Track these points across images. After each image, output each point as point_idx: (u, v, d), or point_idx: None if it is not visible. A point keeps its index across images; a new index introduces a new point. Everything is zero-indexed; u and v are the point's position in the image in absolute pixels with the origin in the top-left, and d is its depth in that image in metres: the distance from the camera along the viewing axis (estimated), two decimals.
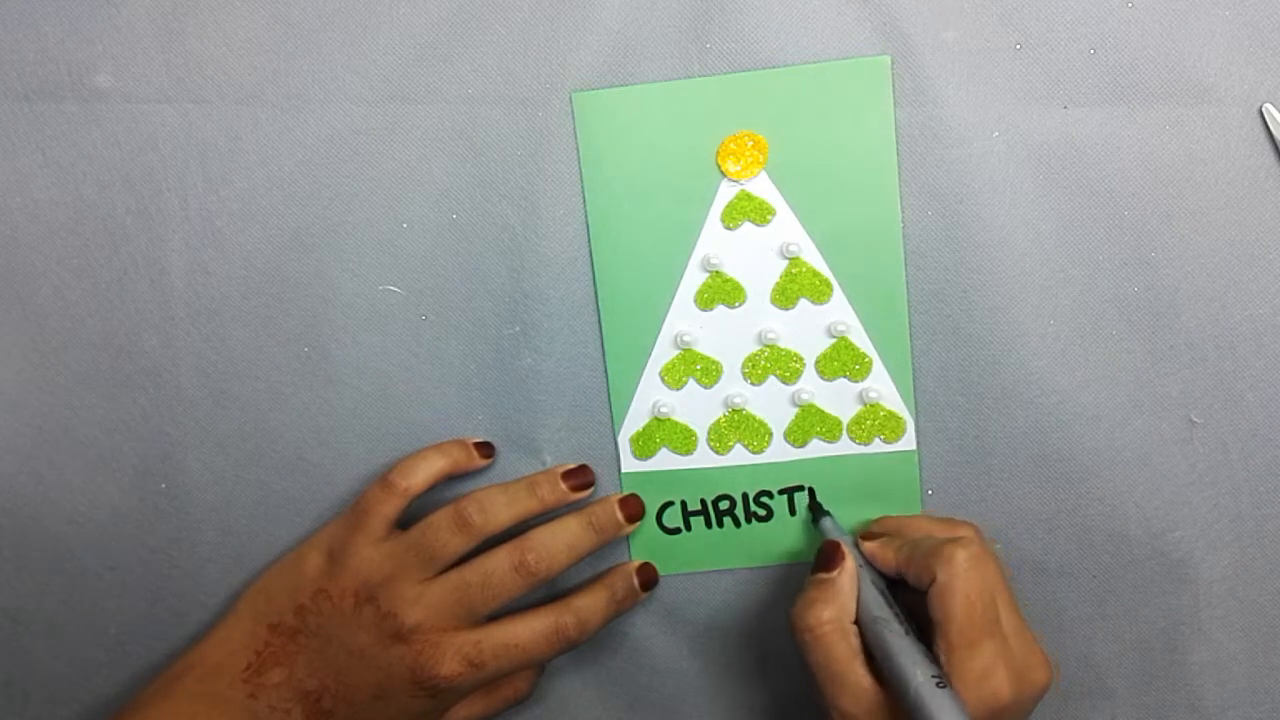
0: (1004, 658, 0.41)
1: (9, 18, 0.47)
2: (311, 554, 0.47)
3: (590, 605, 0.47)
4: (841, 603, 0.43)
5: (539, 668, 0.49)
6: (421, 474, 0.47)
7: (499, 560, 0.46)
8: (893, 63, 0.46)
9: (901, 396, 0.48)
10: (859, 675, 0.42)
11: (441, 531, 0.46)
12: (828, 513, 0.48)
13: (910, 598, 0.43)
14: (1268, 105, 0.46)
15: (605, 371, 0.49)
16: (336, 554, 0.46)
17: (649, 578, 0.49)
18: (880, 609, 0.43)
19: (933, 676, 0.40)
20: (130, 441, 0.49)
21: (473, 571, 0.46)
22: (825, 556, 0.44)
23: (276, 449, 0.49)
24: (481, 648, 0.45)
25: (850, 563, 0.44)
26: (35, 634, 0.50)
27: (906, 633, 0.42)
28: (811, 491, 0.49)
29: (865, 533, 0.46)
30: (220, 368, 0.49)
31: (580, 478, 0.49)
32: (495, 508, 0.47)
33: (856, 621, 0.43)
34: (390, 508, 0.47)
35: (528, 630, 0.46)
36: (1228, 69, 0.46)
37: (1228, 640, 0.48)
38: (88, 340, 0.49)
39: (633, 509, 0.49)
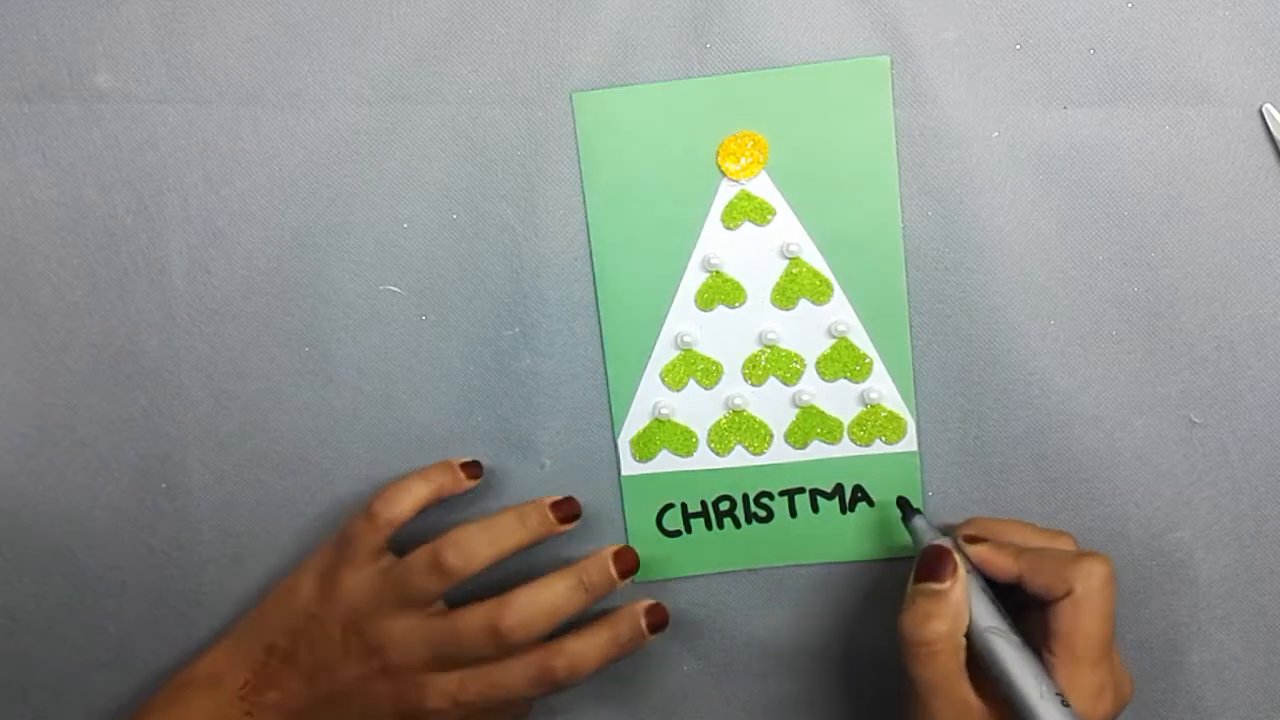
0: (1113, 677, 0.41)
1: (9, 18, 0.47)
2: (304, 579, 0.47)
3: (586, 649, 0.45)
4: (955, 615, 0.41)
5: (527, 707, 0.49)
6: (405, 503, 0.46)
7: (475, 621, 0.44)
8: (893, 63, 0.46)
9: (902, 397, 0.48)
10: (965, 690, 0.41)
11: (417, 574, 0.45)
12: (919, 511, 0.46)
13: (1011, 605, 0.42)
14: (1268, 105, 0.46)
15: (605, 373, 0.49)
16: (325, 581, 0.46)
17: (659, 620, 0.46)
18: (993, 618, 0.41)
19: (1056, 694, 0.39)
20: (130, 441, 0.49)
21: (448, 628, 0.45)
22: (934, 564, 0.42)
23: (277, 449, 0.49)
24: (466, 687, 0.44)
25: (962, 572, 0.42)
26: (35, 634, 0.50)
27: (1022, 646, 0.41)
28: (904, 500, 0.47)
29: (966, 534, 0.45)
30: (221, 368, 0.49)
31: (568, 509, 0.47)
32: (475, 547, 0.45)
33: (966, 632, 0.42)
34: (373, 539, 0.46)
35: (512, 674, 0.44)
36: (1228, 69, 0.46)
37: (1228, 640, 0.48)
38: (88, 340, 0.49)
39: (627, 564, 0.47)
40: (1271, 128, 0.46)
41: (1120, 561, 0.48)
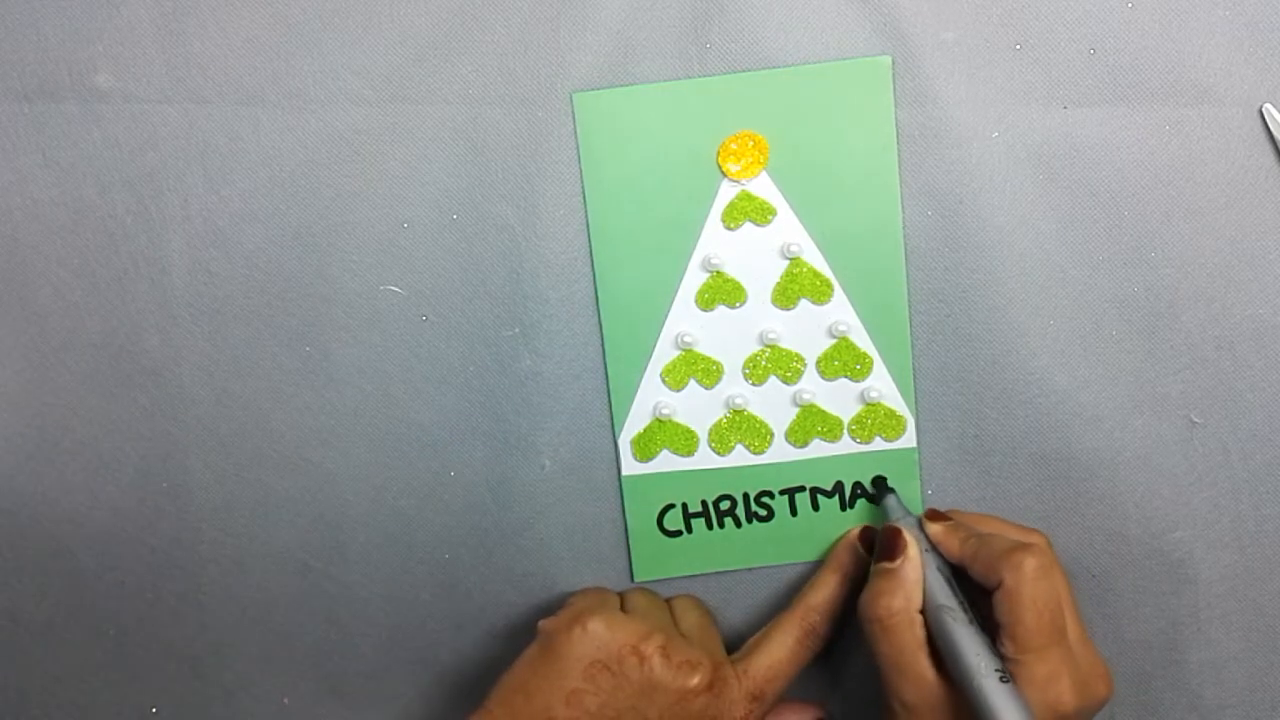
0: (1068, 666, 0.41)
1: (9, 18, 0.47)
2: (560, 635, 0.44)
3: (826, 596, 0.47)
4: (907, 591, 0.43)
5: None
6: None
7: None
8: (893, 63, 0.46)
9: (902, 396, 0.48)
10: (923, 666, 0.42)
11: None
12: (892, 490, 0.48)
13: (972, 588, 0.43)
14: (1268, 105, 0.46)
15: (605, 373, 0.49)
16: (599, 621, 0.43)
17: (870, 537, 0.47)
18: (945, 597, 0.42)
19: (996, 670, 0.40)
20: (131, 441, 0.49)
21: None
22: (888, 543, 0.44)
23: (277, 449, 0.49)
24: (754, 677, 0.45)
25: (913, 550, 0.44)
26: (35, 634, 0.50)
27: (970, 622, 0.41)
28: (879, 479, 0.49)
29: (930, 512, 0.46)
30: (221, 367, 0.49)
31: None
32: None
33: (922, 610, 0.43)
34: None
35: (783, 647, 0.45)
36: (1228, 69, 0.46)
37: (1228, 640, 0.48)
38: (88, 340, 0.49)
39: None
40: (1271, 128, 0.46)
41: (1120, 561, 0.48)
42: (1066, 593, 0.43)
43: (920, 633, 0.42)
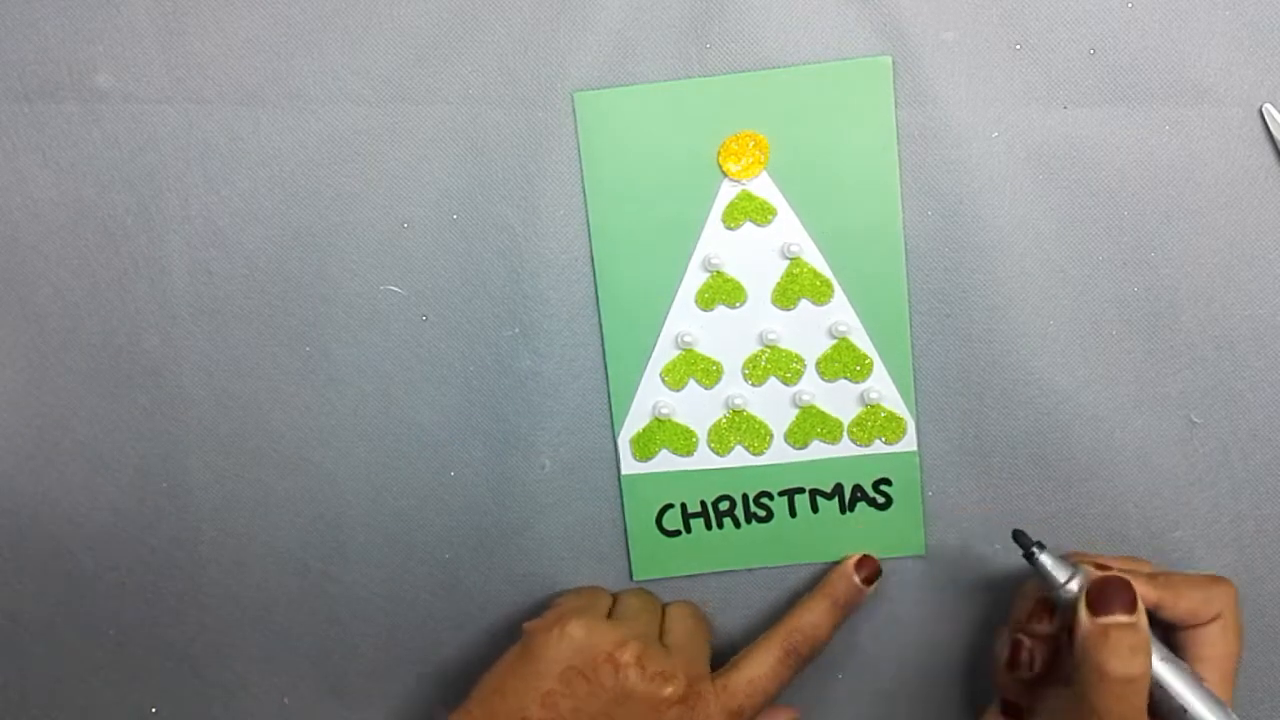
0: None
1: (9, 18, 0.47)
2: (538, 637, 0.44)
3: (814, 620, 0.46)
4: (1148, 649, 0.40)
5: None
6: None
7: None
8: (893, 63, 0.46)
9: (902, 397, 0.48)
10: None
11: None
12: (1041, 545, 0.43)
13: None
14: (1268, 105, 0.46)
15: (605, 373, 0.49)
16: (579, 625, 0.44)
17: (872, 571, 0.47)
18: (1163, 650, 0.41)
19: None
20: (131, 441, 0.49)
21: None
22: (1118, 595, 0.41)
23: (277, 449, 0.49)
24: (732, 693, 0.44)
25: (1142, 602, 0.41)
26: (35, 634, 0.50)
27: (1192, 671, 0.41)
28: (1020, 533, 0.44)
29: (1093, 562, 0.43)
30: (221, 367, 0.49)
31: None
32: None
33: None
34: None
35: (764, 665, 0.45)
36: (1228, 69, 0.46)
37: None
38: (88, 340, 0.49)
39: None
40: (1271, 128, 0.46)
41: None
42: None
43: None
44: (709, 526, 0.49)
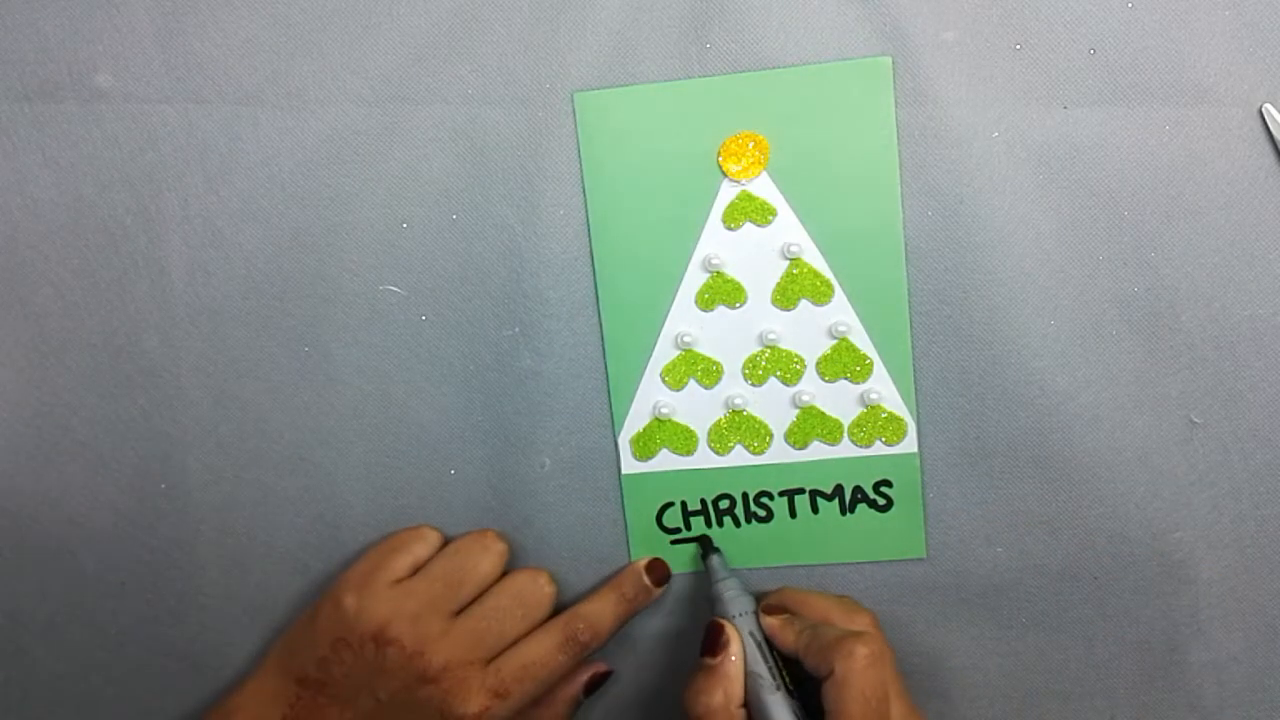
0: None
1: (9, 18, 0.47)
2: (325, 604, 0.47)
3: (599, 609, 0.47)
4: (726, 689, 0.44)
5: (574, 702, 0.49)
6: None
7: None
8: (893, 63, 0.46)
9: (902, 398, 0.48)
10: None
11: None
12: (717, 550, 0.49)
13: (807, 679, 0.44)
14: (1268, 105, 0.46)
15: (605, 372, 0.49)
16: (352, 600, 0.46)
17: (661, 574, 0.49)
18: (772, 690, 0.44)
19: None
20: (130, 442, 0.49)
21: (486, 614, 0.46)
22: (711, 640, 0.45)
23: (276, 449, 0.49)
24: (501, 675, 0.45)
25: (735, 646, 0.44)
26: (35, 634, 0.50)
27: (798, 711, 0.43)
28: (705, 540, 0.49)
29: (766, 604, 0.46)
30: (221, 367, 0.49)
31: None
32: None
33: (745, 703, 0.44)
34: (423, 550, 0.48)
35: (540, 647, 0.46)
36: (1228, 69, 0.46)
37: (1228, 640, 0.48)
38: (88, 340, 0.49)
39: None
40: (1271, 128, 0.46)
41: (1120, 561, 0.48)
42: (894, 677, 0.43)
43: None
44: (709, 525, 0.50)
